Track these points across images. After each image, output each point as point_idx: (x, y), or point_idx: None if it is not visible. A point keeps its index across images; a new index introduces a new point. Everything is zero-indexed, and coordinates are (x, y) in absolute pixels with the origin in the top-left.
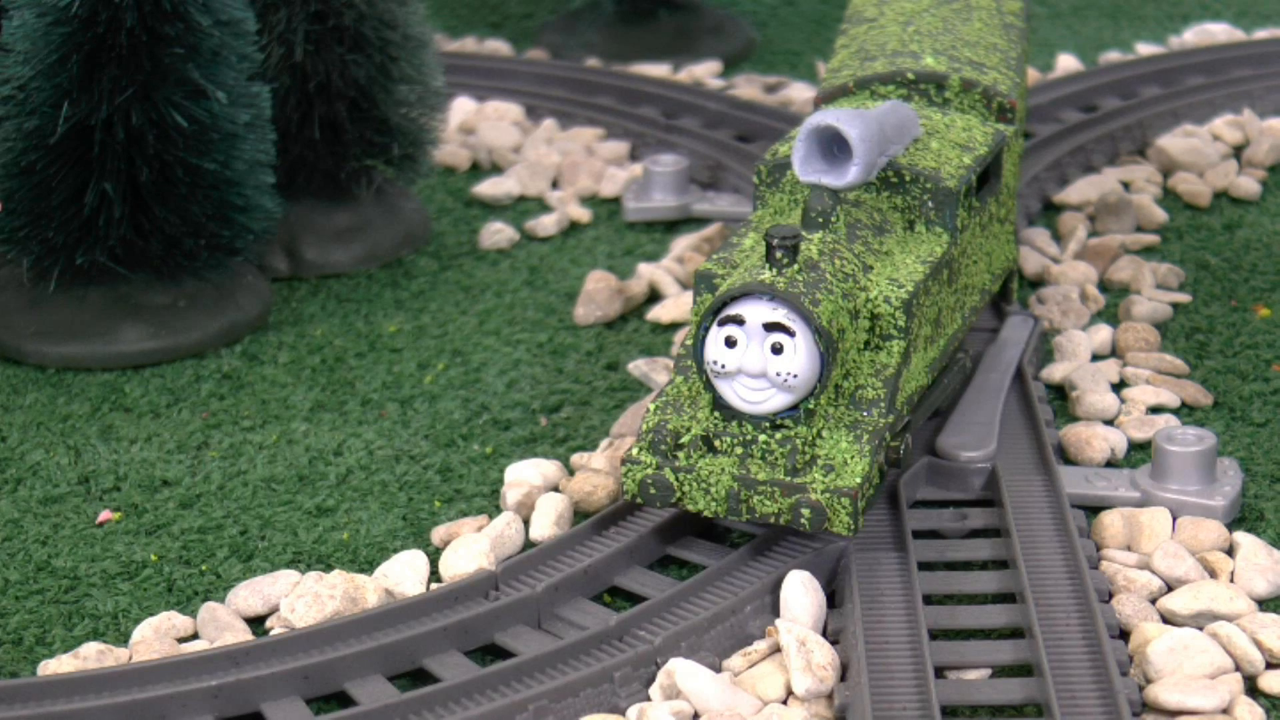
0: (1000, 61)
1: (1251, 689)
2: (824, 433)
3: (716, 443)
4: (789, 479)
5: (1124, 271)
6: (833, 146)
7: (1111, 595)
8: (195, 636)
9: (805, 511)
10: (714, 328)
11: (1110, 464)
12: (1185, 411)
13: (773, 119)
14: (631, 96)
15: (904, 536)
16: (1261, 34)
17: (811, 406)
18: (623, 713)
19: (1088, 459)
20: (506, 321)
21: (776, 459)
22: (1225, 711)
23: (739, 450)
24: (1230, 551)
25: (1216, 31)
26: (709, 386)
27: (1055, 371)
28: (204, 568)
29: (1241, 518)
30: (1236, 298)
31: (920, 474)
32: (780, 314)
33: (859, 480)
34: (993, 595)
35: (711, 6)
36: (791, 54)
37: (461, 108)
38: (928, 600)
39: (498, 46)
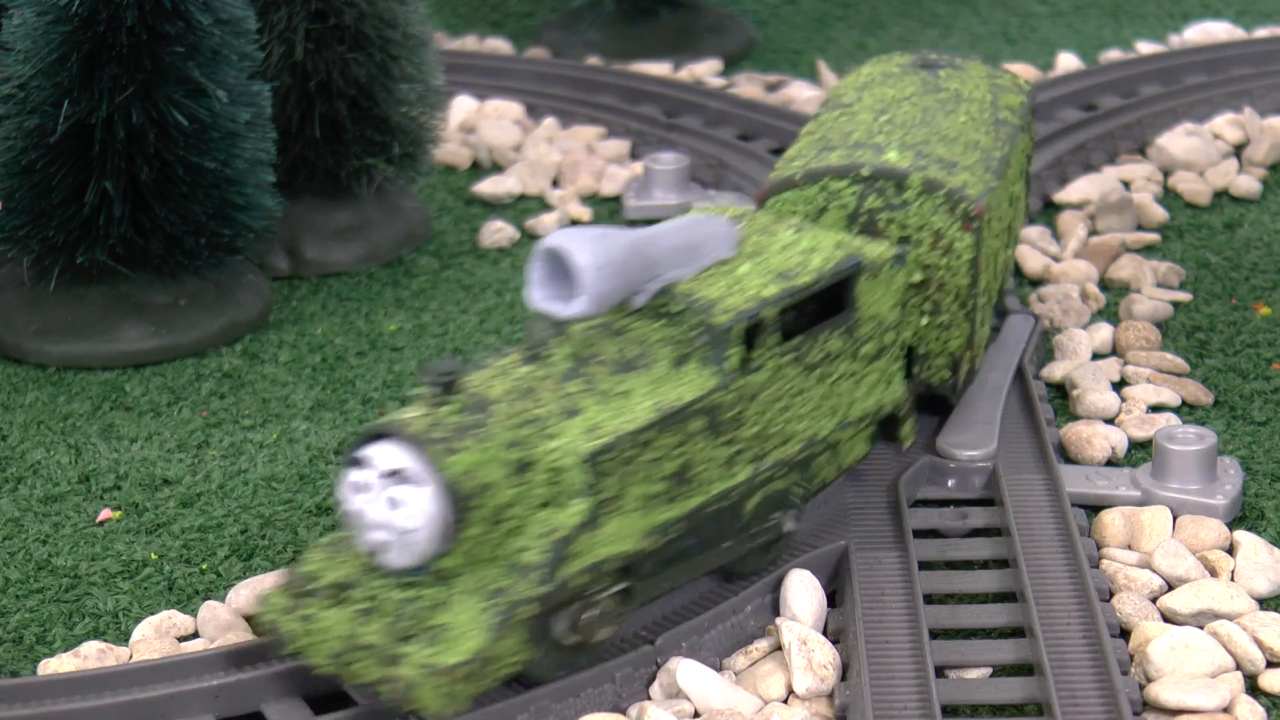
0: (978, 162)
1: (1252, 688)
2: (457, 597)
3: (349, 593)
4: (391, 646)
5: (1124, 270)
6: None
7: (1112, 594)
8: (196, 635)
9: (394, 686)
10: (347, 469)
11: (1111, 463)
12: (1186, 410)
13: (773, 117)
14: (632, 95)
15: (905, 535)
16: (1262, 32)
17: (443, 567)
18: (624, 712)
19: (1088, 458)
20: (507, 320)
21: (391, 621)
22: (1226, 710)
23: (365, 605)
24: (1231, 550)
25: (1217, 30)
26: None
27: (1056, 370)
28: (204, 566)
29: (1242, 516)
30: (1237, 296)
31: (921, 473)
32: (405, 460)
33: (461, 658)
34: (993, 594)
35: (712, 5)
36: (792, 53)
37: (462, 106)
38: (928, 599)
39: (498, 45)
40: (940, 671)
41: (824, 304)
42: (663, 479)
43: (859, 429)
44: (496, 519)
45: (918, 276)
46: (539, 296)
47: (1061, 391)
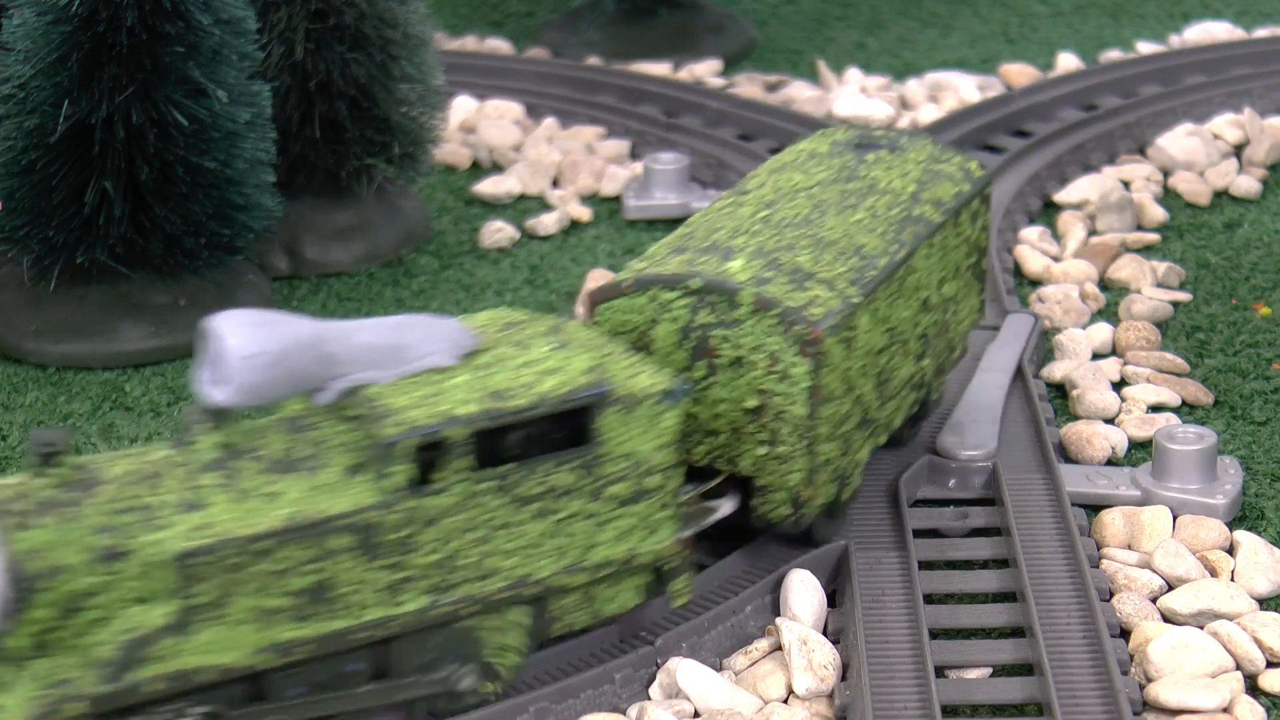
0: (847, 273)
1: (1252, 688)
2: (23, 680)
3: None
4: None
5: (1124, 270)
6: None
7: (1112, 594)
8: None
9: None
10: None
11: (1111, 462)
12: (1186, 410)
13: (773, 117)
14: (632, 95)
15: (905, 535)
16: (1262, 32)
17: (9, 646)
18: (624, 712)
19: (1088, 458)
20: None
21: None
22: (1226, 710)
23: None
24: (1231, 550)
25: (1217, 30)
26: None
27: (1056, 370)
28: None
29: (1242, 516)
30: (1237, 296)
31: (921, 473)
32: None
33: None
34: (993, 594)
35: (712, 5)
36: (792, 52)
37: (462, 106)
38: (928, 599)
39: (498, 45)
40: (940, 671)
41: (566, 433)
42: (289, 594)
43: (613, 577)
44: (73, 606)
45: (753, 402)
46: (202, 378)
47: (1061, 391)
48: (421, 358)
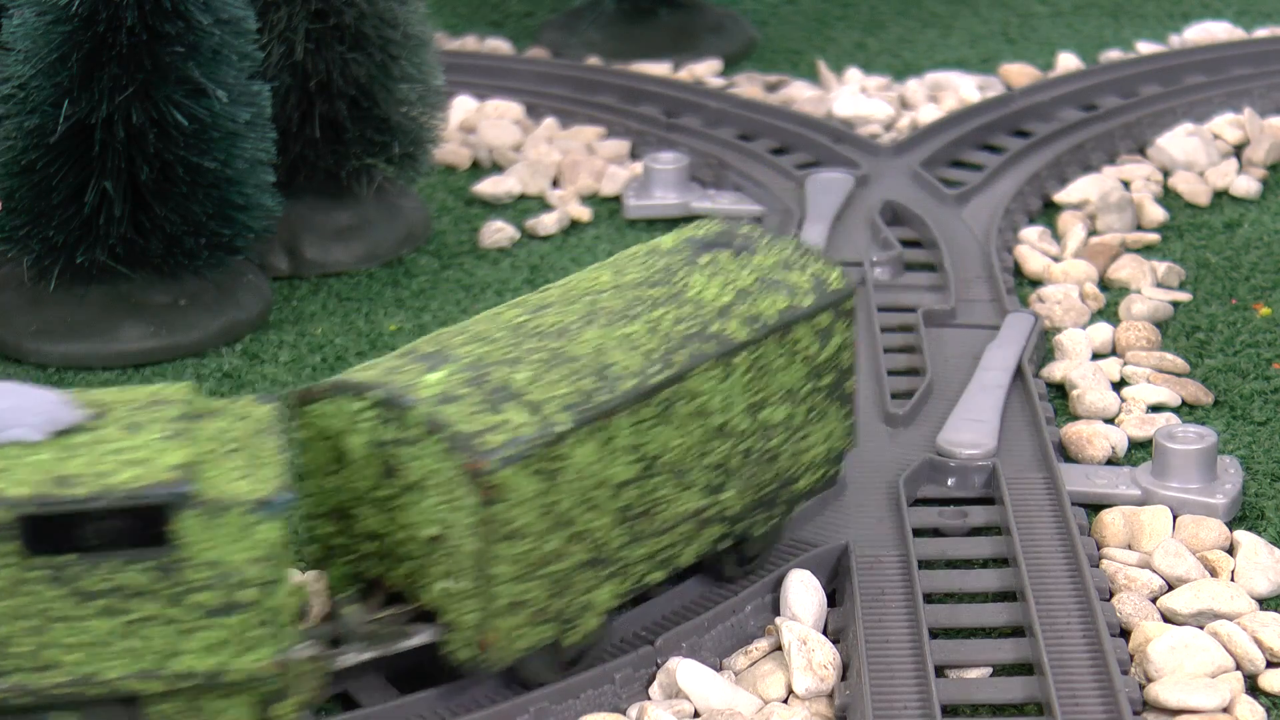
0: (568, 395)
1: (1252, 688)
2: None
3: None
4: None
5: (1124, 270)
6: None
7: (1112, 594)
8: None
9: None
10: None
11: (1111, 462)
12: (1186, 410)
13: (773, 117)
14: (632, 95)
15: (905, 535)
16: (1262, 32)
17: None
18: (623, 713)
19: (1088, 458)
20: None
21: None
22: (1226, 710)
23: None
24: (1231, 550)
25: (1217, 30)
26: None
27: (1055, 370)
28: None
29: (1242, 516)
30: (1236, 296)
31: (921, 472)
32: None
33: None
34: (993, 594)
35: (712, 5)
36: (792, 52)
37: (462, 106)
38: (928, 599)
39: (498, 45)
40: (940, 671)
41: (138, 531)
42: None
43: (223, 690)
44: None
45: (431, 531)
46: None
47: (1061, 391)
48: (5, 429)
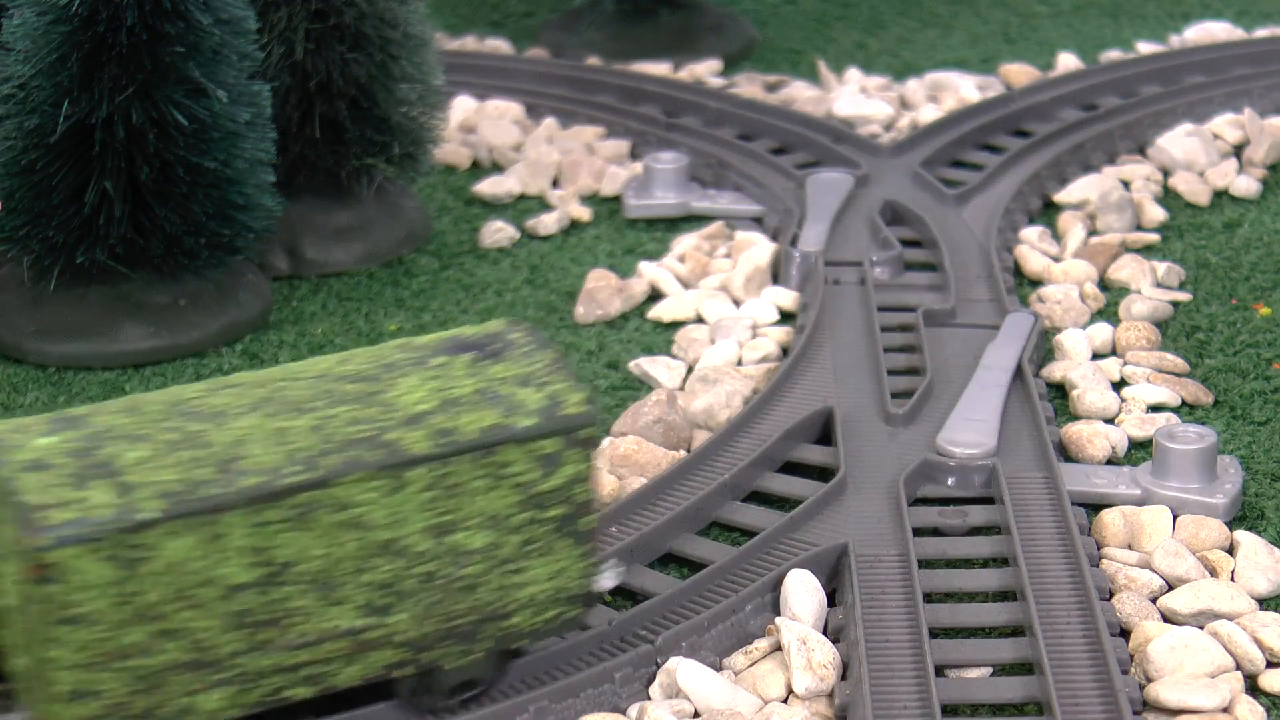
0: (184, 482)
1: (1252, 688)
2: None
3: None
4: None
5: (1124, 270)
6: None
7: (1112, 594)
8: None
9: None
10: None
11: (1111, 462)
12: (1186, 410)
13: (773, 117)
14: (632, 95)
15: (904, 534)
16: (1262, 32)
17: None
18: (623, 712)
19: (1088, 458)
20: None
21: None
22: (1226, 710)
23: None
24: (1231, 550)
25: (1217, 30)
26: None
27: (1055, 370)
28: None
29: (1242, 516)
30: (1236, 296)
31: (921, 471)
32: None
33: None
34: (993, 593)
35: (712, 5)
36: (792, 52)
37: (462, 106)
38: (928, 598)
39: (498, 45)
40: (940, 671)
41: None
42: None
43: None
44: None
45: (9, 600)
46: None
47: (1061, 391)
48: None
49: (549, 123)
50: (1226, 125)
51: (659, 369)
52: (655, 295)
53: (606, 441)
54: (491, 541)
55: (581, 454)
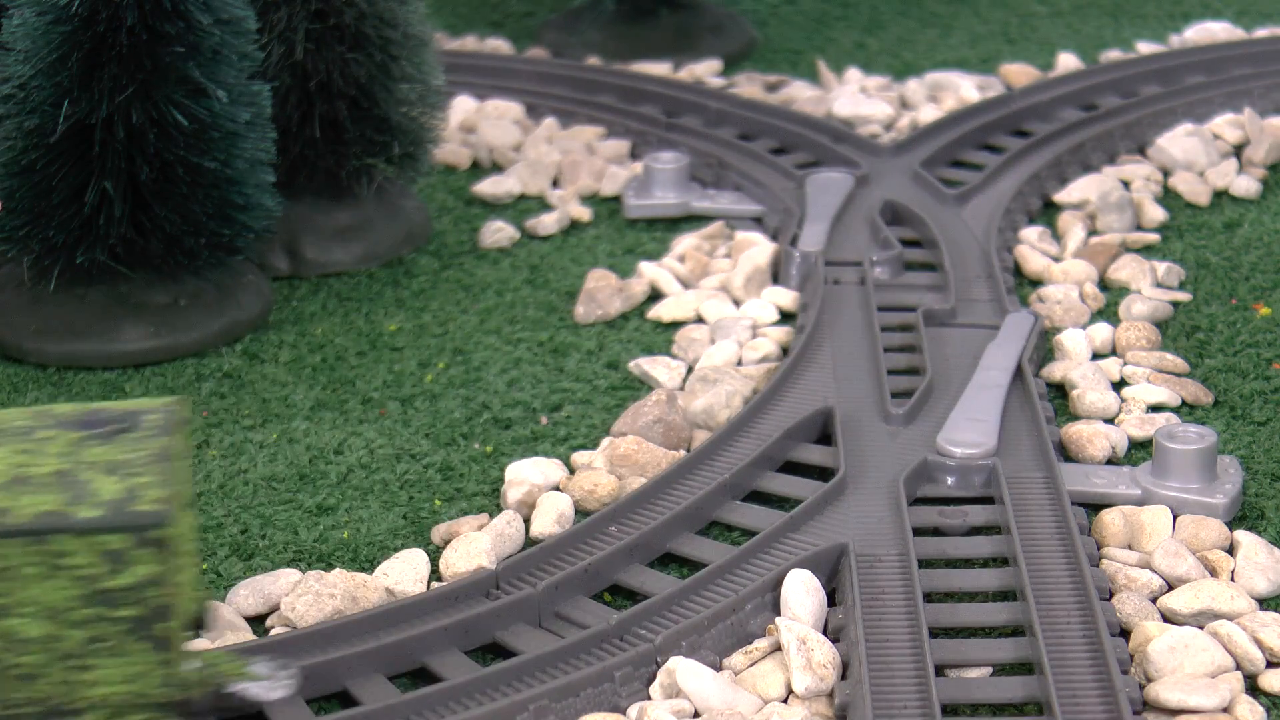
0: None
1: (1252, 688)
2: None
3: None
4: None
5: (1124, 270)
6: None
7: (1112, 593)
8: (196, 635)
9: None
10: None
11: (1111, 462)
12: (1186, 410)
13: (773, 117)
14: (632, 95)
15: (904, 534)
16: (1262, 32)
17: None
18: (623, 712)
19: (1088, 458)
20: (507, 320)
21: None
22: (1226, 710)
23: None
24: (1231, 550)
25: (1217, 30)
26: None
27: (1055, 370)
28: (204, 566)
29: (1242, 516)
30: (1236, 296)
31: (921, 471)
32: None
33: None
34: (993, 593)
35: (712, 5)
36: (792, 52)
37: (462, 106)
38: (928, 598)
39: (498, 45)
40: (940, 670)
41: None
42: None
43: None
44: None
45: None
46: None
47: (1061, 391)
48: None
49: (549, 123)
50: (1226, 125)
51: (659, 369)
52: (655, 295)
53: (606, 441)
54: (51, 634)
55: (154, 554)
